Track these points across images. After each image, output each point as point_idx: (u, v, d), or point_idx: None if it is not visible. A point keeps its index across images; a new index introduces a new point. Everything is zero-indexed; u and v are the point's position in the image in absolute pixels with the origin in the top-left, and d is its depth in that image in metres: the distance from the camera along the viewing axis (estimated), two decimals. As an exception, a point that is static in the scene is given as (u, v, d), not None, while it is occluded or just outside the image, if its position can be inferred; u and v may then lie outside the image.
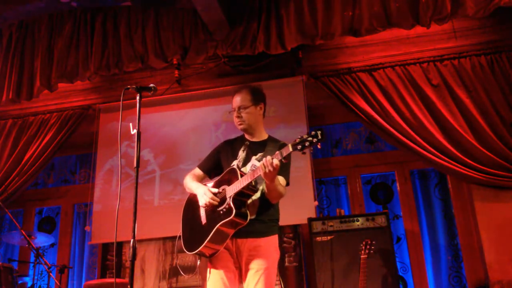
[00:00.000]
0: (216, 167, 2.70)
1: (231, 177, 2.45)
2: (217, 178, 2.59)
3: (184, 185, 2.73)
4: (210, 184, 2.60)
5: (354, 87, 4.58)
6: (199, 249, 2.41)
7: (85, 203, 5.26)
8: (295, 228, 4.53)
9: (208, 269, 2.49)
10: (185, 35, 4.37)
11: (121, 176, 4.79)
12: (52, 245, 5.44)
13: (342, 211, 4.18)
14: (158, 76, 5.24)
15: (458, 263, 4.54)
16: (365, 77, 4.60)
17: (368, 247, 3.68)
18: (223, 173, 2.55)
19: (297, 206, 4.46)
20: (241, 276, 2.48)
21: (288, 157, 2.35)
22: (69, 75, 4.54)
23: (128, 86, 2.38)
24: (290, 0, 4.14)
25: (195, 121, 5.00)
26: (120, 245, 4.81)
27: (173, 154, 4.95)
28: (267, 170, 2.24)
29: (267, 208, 2.52)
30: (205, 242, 2.38)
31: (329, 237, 3.96)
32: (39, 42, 4.68)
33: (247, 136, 2.70)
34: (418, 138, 4.28)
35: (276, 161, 2.26)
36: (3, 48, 4.79)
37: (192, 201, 2.62)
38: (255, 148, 2.62)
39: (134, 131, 2.28)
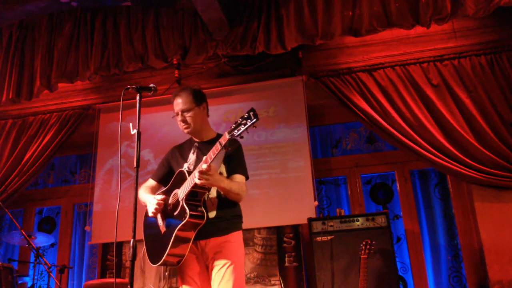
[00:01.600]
0: (168, 174, 2.62)
1: (180, 180, 2.42)
2: (169, 184, 2.55)
3: (139, 198, 2.58)
4: (167, 191, 2.55)
5: (354, 87, 4.58)
6: (163, 259, 2.35)
7: (85, 203, 5.26)
8: (295, 228, 4.53)
9: (179, 277, 2.47)
10: (185, 35, 4.37)
11: (121, 176, 4.79)
12: (52, 245, 5.44)
13: (342, 211, 4.18)
14: (158, 76, 5.24)
15: (458, 263, 4.54)
16: (365, 77, 4.60)
17: (368, 247, 3.68)
18: (174, 177, 2.51)
19: (297, 206, 4.47)
20: (209, 275, 2.43)
21: (234, 146, 2.33)
22: (69, 75, 4.54)
23: (128, 86, 2.38)
24: (290, 0, 4.14)
25: (195, 121, 4.99)
26: (120, 245, 4.81)
27: (173, 154, 4.95)
28: (204, 177, 2.21)
29: (228, 205, 2.47)
30: (167, 250, 2.32)
31: (329, 237, 3.96)
32: (39, 42, 4.68)
33: (195, 138, 2.64)
34: (418, 138, 4.28)
35: (204, 166, 2.21)
36: (3, 48, 4.79)
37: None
38: (204, 149, 2.53)
39: (134, 131, 2.28)
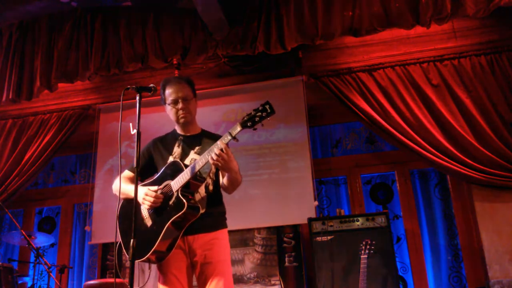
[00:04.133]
0: (148, 167, 2.52)
1: (174, 170, 2.32)
2: (157, 175, 2.43)
3: (114, 191, 2.53)
4: (153, 182, 2.44)
5: (354, 87, 4.58)
6: (147, 254, 2.24)
7: (85, 203, 5.27)
8: (295, 228, 4.53)
9: (159, 276, 2.36)
10: (185, 35, 4.37)
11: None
12: (52, 245, 5.44)
13: (342, 211, 4.18)
14: (158, 76, 5.24)
15: (458, 263, 4.54)
16: (365, 77, 4.60)
17: (368, 247, 3.68)
18: (164, 168, 2.40)
19: (297, 206, 4.47)
20: (195, 273, 2.36)
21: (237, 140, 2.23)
22: (69, 75, 4.54)
23: (128, 86, 2.37)
24: (290, 0, 4.14)
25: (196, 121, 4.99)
26: (120, 245, 4.80)
27: (173, 154, 4.95)
28: (220, 159, 2.14)
29: (215, 201, 2.43)
30: (156, 243, 2.22)
31: (329, 237, 3.96)
32: (39, 42, 4.68)
33: (180, 131, 2.57)
34: (418, 138, 4.28)
35: (222, 145, 2.14)
36: (3, 48, 4.79)
37: (129, 206, 2.40)
38: (190, 142, 2.49)
39: (134, 131, 2.27)
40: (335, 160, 5.07)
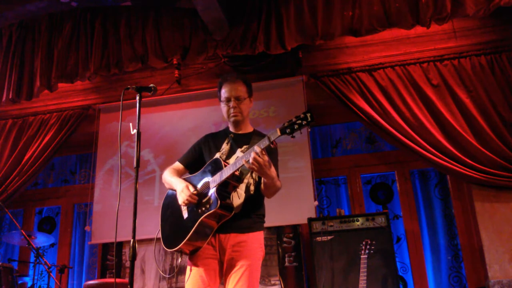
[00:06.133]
0: (197, 161, 2.57)
1: (215, 167, 2.35)
2: (200, 170, 2.47)
3: (163, 180, 2.61)
4: (195, 176, 2.49)
5: (354, 87, 4.58)
6: (180, 244, 2.29)
7: (85, 203, 5.27)
8: (295, 228, 4.53)
9: (188, 268, 2.38)
10: (185, 35, 4.37)
11: (121, 176, 4.80)
12: (52, 245, 5.45)
13: (342, 211, 4.18)
14: (158, 76, 5.24)
15: (458, 263, 4.54)
16: (365, 77, 4.60)
17: (368, 247, 3.68)
18: (206, 164, 2.44)
19: (297, 206, 4.47)
20: (222, 272, 2.36)
21: (274, 146, 2.24)
22: (69, 75, 4.54)
23: (128, 86, 2.37)
24: (290, 0, 4.14)
25: (195, 121, 4.99)
26: (120, 245, 4.81)
27: (173, 154, 4.93)
28: (255, 162, 2.10)
29: (254, 202, 2.42)
30: (188, 236, 2.26)
31: (329, 237, 3.96)
32: (39, 42, 4.68)
33: (232, 129, 2.59)
34: (418, 138, 4.28)
35: (258, 149, 2.11)
36: (3, 48, 4.80)
37: (171, 197, 2.51)
38: (239, 140, 2.50)
39: (134, 131, 2.27)
40: (335, 160, 5.07)
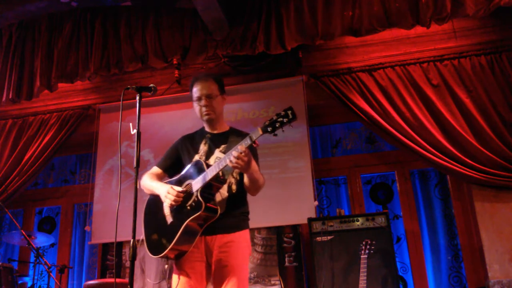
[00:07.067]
0: (176, 164, 2.52)
1: (196, 170, 2.32)
2: (181, 174, 2.43)
3: (142, 186, 2.52)
4: (174, 180, 2.45)
5: (354, 87, 4.58)
6: (166, 250, 2.25)
7: (85, 203, 5.27)
8: (295, 228, 4.52)
9: (176, 276, 2.34)
10: (185, 35, 4.37)
11: (121, 176, 4.79)
12: (52, 245, 5.44)
13: (342, 211, 4.18)
14: (158, 76, 5.24)
15: (458, 263, 4.54)
16: (365, 77, 4.60)
17: (368, 247, 3.68)
18: (187, 168, 2.39)
19: (297, 206, 4.47)
20: (210, 274, 2.34)
21: (257, 145, 2.21)
22: (69, 75, 4.54)
23: (128, 86, 2.37)
24: (290, 0, 4.14)
25: (195, 121, 4.91)
26: (120, 245, 4.81)
27: (173, 154, 4.95)
28: (240, 161, 2.09)
29: (237, 201, 2.40)
30: (174, 241, 2.23)
31: (329, 237, 3.96)
32: (39, 42, 4.68)
33: (208, 129, 2.56)
34: (418, 138, 4.28)
35: (242, 147, 2.10)
36: (3, 48, 4.79)
37: (153, 202, 2.45)
38: (217, 140, 2.47)
39: (134, 131, 2.27)
40: (335, 160, 5.07)
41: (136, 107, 2.31)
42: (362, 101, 4.50)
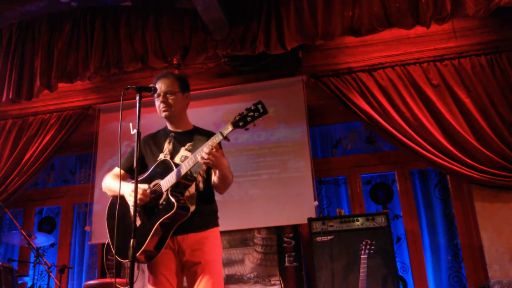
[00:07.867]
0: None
1: (164, 169, 2.28)
2: (146, 173, 2.38)
3: (103, 188, 2.49)
4: (141, 180, 2.36)
5: (354, 87, 4.58)
6: (138, 253, 2.18)
7: (85, 203, 5.26)
8: (295, 228, 4.52)
9: (152, 280, 2.31)
10: (185, 35, 4.37)
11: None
12: (52, 245, 5.44)
13: (342, 211, 4.18)
14: (158, 76, 5.24)
15: (458, 263, 4.54)
16: (365, 77, 4.60)
17: (368, 247, 3.68)
18: (154, 167, 2.36)
19: (297, 206, 4.47)
20: (183, 274, 2.33)
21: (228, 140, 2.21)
22: (69, 75, 4.54)
23: (128, 86, 2.36)
24: (290, 0, 4.14)
25: (195, 121, 4.91)
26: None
27: (173, 154, 4.95)
28: (211, 157, 2.09)
29: (206, 199, 2.38)
30: (145, 244, 2.16)
31: (329, 237, 3.96)
32: (39, 42, 4.68)
33: (171, 127, 2.53)
34: (418, 138, 4.28)
35: (214, 143, 2.11)
36: (3, 48, 4.79)
37: (117, 204, 2.34)
38: (182, 139, 2.45)
39: (134, 131, 2.27)
40: (335, 160, 5.07)
41: (136, 107, 2.31)
42: (362, 101, 4.50)
